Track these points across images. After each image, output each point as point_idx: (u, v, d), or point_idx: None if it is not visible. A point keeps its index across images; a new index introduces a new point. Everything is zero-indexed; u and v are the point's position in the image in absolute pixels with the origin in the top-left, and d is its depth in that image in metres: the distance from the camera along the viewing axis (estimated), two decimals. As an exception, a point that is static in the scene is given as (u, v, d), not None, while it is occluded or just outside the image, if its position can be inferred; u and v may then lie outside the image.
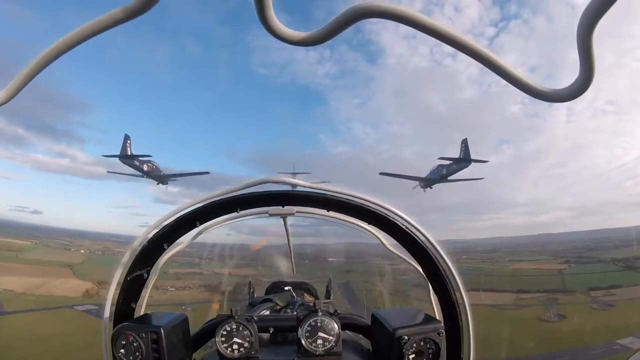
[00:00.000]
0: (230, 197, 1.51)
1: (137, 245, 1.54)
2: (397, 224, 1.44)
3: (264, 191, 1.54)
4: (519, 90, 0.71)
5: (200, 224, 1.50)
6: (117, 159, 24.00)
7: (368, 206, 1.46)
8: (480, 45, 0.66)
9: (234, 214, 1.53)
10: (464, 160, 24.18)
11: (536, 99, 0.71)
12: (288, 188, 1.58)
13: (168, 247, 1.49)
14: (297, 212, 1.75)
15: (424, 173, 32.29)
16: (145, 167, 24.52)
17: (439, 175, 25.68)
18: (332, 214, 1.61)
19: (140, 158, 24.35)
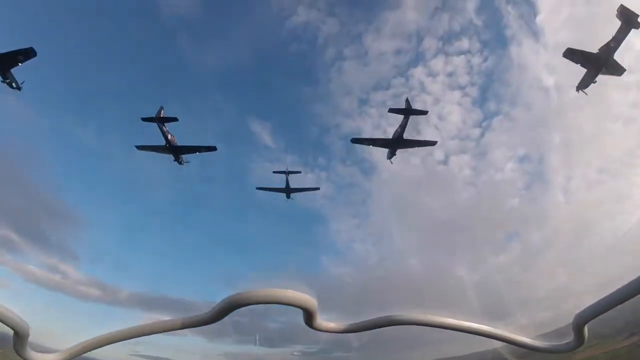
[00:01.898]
0: None
1: None
2: None
3: None
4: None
5: None
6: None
7: None
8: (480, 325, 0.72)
9: None
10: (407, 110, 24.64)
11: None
12: None
13: None
14: None
15: (431, 284, 35.07)
16: (169, 137, 23.88)
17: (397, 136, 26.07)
18: None
19: (167, 123, 23.44)
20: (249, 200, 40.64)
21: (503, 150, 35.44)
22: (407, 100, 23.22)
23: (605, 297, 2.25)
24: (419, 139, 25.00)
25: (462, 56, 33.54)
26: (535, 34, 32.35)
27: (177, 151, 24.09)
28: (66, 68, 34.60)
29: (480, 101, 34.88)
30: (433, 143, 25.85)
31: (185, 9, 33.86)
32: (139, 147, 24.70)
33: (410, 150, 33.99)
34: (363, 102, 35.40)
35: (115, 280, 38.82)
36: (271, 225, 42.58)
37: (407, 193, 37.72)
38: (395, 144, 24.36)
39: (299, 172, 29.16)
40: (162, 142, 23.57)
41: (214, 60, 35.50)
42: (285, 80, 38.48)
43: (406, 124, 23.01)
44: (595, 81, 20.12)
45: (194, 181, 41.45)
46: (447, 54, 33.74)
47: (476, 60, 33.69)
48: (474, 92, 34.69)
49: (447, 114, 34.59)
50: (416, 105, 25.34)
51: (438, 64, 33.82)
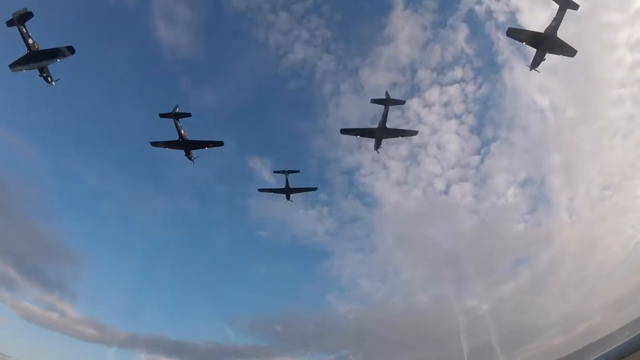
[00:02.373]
0: None
1: None
2: None
3: None
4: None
5: None
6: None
7: None
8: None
9: None
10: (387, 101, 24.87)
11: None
12: None
13: None
14: None
15: (441, 317, 34.83)
16: (182, 132, 24.10)
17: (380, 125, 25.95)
18: None
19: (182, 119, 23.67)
20: (249, 237, 41.28)
21: (504, 176, 35.43)
22: (386, 93, 24.02)
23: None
24: (402, 128, 25.86)
25: (456, 85, 34.30)
26: (525, 56, 32.82)
27: (188, 146, 24.75)
28: (70, 108, 35.43)
29: (478, 128, 35.26)
30: (414, 132, 26.17)
31: (186, 51, 34.70)
32: (154, 144, 25.12)
33: (411, 181, 35.43)
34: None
35: (114, 320, 38.53)
36: (273, 263, 42.05)
37: (410, 225, 37.68)
38: (380, 133, 25.03)
39: (298, 171, 29.26)
40: (175, 138, 24.38)
41: (214, 98, 35.87)
42: (284, 116, 38.84)
43: (387, 113, 23.84)
44: (545, 59, 21.67)
45: (194, 220, 41.84)
46: (441, 84, 34.42)
47: (470, 88, 34.34)
48: (470, 120, 35.24)
49: (445, 143, 35.28)
50: (413, 137, 26.69)
51: (433, 94, 34.52)
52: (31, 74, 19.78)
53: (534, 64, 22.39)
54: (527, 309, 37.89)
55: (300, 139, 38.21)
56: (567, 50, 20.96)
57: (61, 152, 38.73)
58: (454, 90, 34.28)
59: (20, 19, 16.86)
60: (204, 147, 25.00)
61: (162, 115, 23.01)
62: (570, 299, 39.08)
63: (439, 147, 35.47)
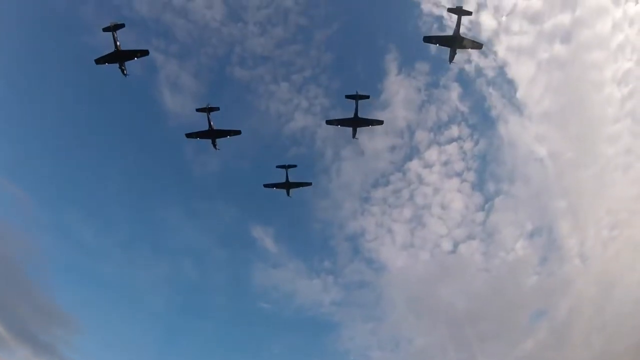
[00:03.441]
0: None
1: None
2: None
3: None
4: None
5: None
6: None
7: None
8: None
9: None
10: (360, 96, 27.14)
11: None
12: None
13: None
14: None
15: None
16: (212, 124, 27.16)
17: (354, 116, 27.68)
18: None
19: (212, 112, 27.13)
20: (251, 308, 39.89)
21: (511, 229, 35.00)
22: (356, 91, 26.16)
23: None
24: (369, 117, 27.73)
25: (454, 143, 35.00)
26: (518, 108, 33.63)
27: (215, 135, 27.99)
28: (72, 162, 37.08)
29: (479, 184, 35.40)
30: (380, 122, 27.92)
31: (189, 118, 35.64)
32: (188, 135, 28.14)
33: (417, 244, 36.30)
34: (364, 200, 37.06)
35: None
36: (278, 338, 40.62)
37: (420, 289, 37.19)
38: (354, 122, 27.47)
39: (295, 165, 30.43)
40: (205, 128, 27.68)
41: (216, 165, 36.96)
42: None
43: (357, 106, 26.39)
44: (457, 52, 25.05)
45: (193, 286, 40.66)
46: (439, 144, 35.27)
47: (468, 145, 34.96)
48: (471, 176, 35.41)
49: (448, 202, 35.47)
50: (417, 199, 31.70)
51: (432, 154, 35.29)
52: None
53: (450, 59, 25.76)
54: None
55: (302, 206, 38.19)
56: (474, 45, 24.93)
57: (59, 206, 38.44)
58: (452, 148, 35.06)
59: (115, 27, 23.19)
60: (226, 136, 28.30)
61: (198, 110, 27.26)
62: (594, 345, 37.14)
63: (443, 206, 35.64)
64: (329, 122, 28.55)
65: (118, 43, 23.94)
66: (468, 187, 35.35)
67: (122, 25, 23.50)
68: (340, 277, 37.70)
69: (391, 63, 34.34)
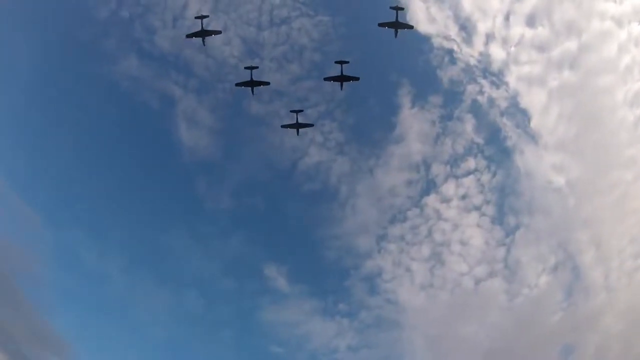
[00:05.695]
0: None
1: None
2: None
3: None
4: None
5: None
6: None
7: None
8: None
9: None
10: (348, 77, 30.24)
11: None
12: None
13: None
14: None
15: None
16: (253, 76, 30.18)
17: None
18: None
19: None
20: (261, 351, 37.07)
21: (533, 265, 33.72)
22: (341, 68, 29.67)
23: None
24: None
25: (471, 176, 34.35)
26: (533, 138, 33.43)
27: (255, 85, 30.97)
28: (86, 191, 36.85)
29: (499, 218, 34.58)
30: (356, 78, 30.03)
31: (204, 152, 36.97)
32: (237, 84, 31.01)
33: (437, 284, 35.42)
34: (381, 238, 35.71)
35: None
36: None
37: (440, 328, 35.70)
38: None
39: (302, 110, 32.62)
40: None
41: (229, 201, 36.85)
42: (299, 222, 38.70)
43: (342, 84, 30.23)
44: (398, 31, 28.89)
45: (198, 318, 38.64)
46: (456, 177, 34.69)
47: (485, 177, 34.32)
48: (490, 210, 34.67)
49: (468, 238, 34.39)
50: (435, 235, 32.09)
51: (450, 188, 34.59)
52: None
53: (395, 35, 29.25)
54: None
55: (316, 245, 37.28)
56: (408, 26, 29.26)
57: (66, 228, 37.58)
58: (469, 181, 34.49)
59: (202, 17, 29.12)
60: (260, 86, 30.98)
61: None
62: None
63: (463, 242, 34.68)
64: (327, 79, 30.90)
65: (203, 25, 29.32)
66: (487, 221, 34.49)
67: (207, 16, 29.62)
68: (356, 321, 35.78)
69: (404, 97, 34.53)
